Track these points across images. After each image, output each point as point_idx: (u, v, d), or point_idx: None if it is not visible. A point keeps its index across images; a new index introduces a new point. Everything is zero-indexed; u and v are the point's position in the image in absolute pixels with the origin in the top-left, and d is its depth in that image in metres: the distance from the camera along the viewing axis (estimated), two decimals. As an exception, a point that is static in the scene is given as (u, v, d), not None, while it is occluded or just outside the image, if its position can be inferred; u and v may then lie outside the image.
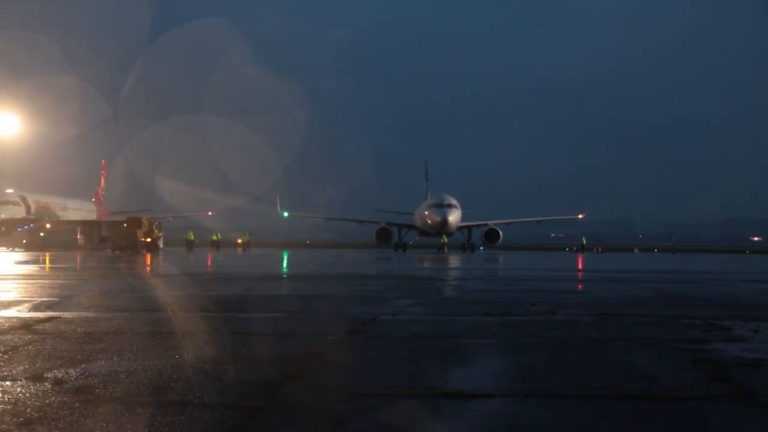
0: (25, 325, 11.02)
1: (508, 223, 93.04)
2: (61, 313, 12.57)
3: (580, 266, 43.14)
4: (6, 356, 8.35)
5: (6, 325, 11.18)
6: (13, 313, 12.79)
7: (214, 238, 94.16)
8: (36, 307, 13.71)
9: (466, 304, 15.56)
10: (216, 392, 6.50)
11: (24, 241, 69.38)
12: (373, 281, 23.61)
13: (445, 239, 75.99)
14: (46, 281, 21.56)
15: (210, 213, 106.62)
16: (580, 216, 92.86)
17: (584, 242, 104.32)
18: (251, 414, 5.80)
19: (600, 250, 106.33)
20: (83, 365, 7.77)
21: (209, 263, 40.46)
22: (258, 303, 15.07)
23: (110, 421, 5.60)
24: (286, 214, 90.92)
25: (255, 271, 30.61)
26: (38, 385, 6.84)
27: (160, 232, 72.49)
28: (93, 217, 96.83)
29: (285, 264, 40.75)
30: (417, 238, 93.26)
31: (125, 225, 65.55)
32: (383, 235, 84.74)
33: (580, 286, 23.86)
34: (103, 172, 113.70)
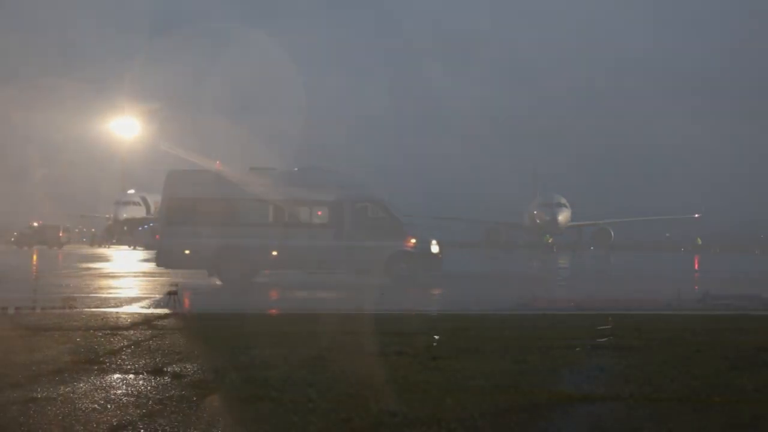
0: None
1: (620, 223, 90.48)
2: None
3: (696, 267, 41.82)
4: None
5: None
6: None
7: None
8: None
9: (578, 302, 15.41)
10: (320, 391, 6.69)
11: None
12: (485, 280, 23.60)
13: (550, 239, 74.44)
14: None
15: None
16: (696, 216, 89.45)
17: (699, 242, 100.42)
18: (357, 413, 5.91)
19: (717, 250, 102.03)
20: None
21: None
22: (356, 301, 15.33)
23: (225, 413, 5.85)
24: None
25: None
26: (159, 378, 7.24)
27: None
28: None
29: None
30: (525, 238, 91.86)
31: None
32: (491, 235, 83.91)
33: (696, 287, 23.10)
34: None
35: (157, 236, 21.42)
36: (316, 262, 20.14)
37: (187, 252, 19.96)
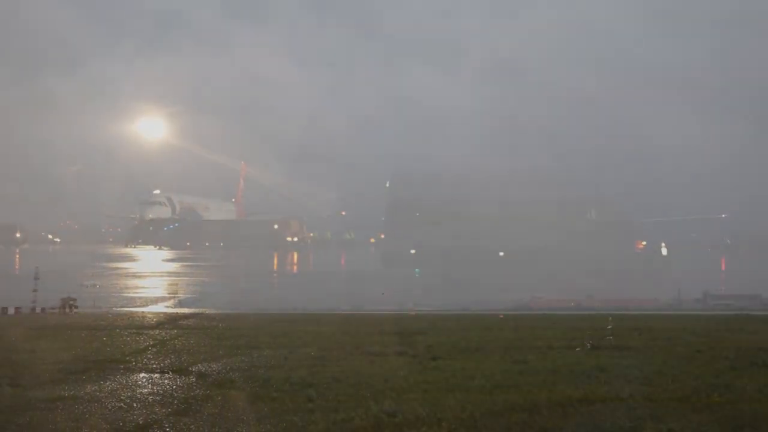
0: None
1: (646, 223, 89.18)
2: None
3: (723, 268, 41.37)
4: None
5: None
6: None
7: (348, 237, 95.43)
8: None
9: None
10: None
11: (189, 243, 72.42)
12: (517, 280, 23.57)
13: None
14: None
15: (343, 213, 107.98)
16: (723, 215, 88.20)
17: (728, 242, 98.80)
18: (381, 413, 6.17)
19: (746, 250, 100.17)
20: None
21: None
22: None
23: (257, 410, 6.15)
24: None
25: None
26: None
27: (310, 233, 75.81)
28: (233, 217, 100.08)
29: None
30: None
31: (276, 227, 69.67)
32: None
33: (722, 287, 23.05)
34: (242, 174, 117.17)
35: (382, 235, 21.61)
36: (542, 261, 19.81)
37: (412, 252, 19.98)
